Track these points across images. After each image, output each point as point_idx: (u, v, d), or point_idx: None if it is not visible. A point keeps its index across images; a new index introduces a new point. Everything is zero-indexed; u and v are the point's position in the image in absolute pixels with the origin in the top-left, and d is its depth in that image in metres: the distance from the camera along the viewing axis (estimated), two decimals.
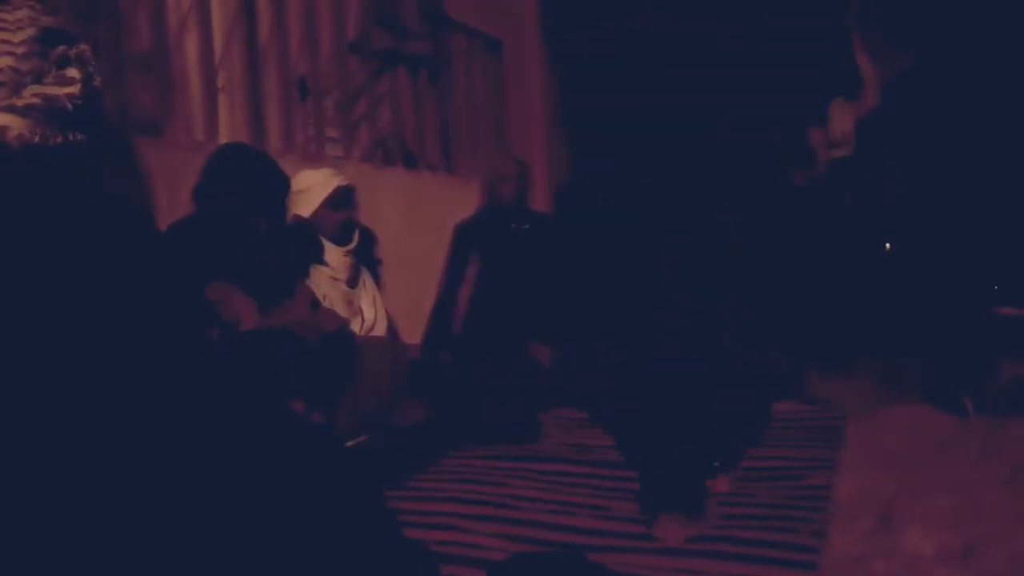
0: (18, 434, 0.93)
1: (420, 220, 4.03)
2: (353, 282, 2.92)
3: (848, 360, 3.21)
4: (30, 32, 1.06)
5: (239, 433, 1.05)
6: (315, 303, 2.65)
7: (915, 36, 3.51)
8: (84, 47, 1.10)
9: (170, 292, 1.09)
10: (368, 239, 3.05)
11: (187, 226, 2.41)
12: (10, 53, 1.05)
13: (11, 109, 1.02)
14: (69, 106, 1.05)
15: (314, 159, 3.62)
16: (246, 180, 2.47)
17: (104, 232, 1.04)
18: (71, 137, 1.05)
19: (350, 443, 2.32)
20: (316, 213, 2.80)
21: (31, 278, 0.97)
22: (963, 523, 1.88)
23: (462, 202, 3.86)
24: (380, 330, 2.97)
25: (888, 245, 3.36)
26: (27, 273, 0.97)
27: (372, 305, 2.96)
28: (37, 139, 1.03)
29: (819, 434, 2.63)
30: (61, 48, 1.08)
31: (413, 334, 3.43)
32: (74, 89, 1.06)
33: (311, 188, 2.81)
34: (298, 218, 2.79)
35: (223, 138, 3.29)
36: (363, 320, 2.92)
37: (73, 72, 1.07)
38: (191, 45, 3.34)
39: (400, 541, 1.24)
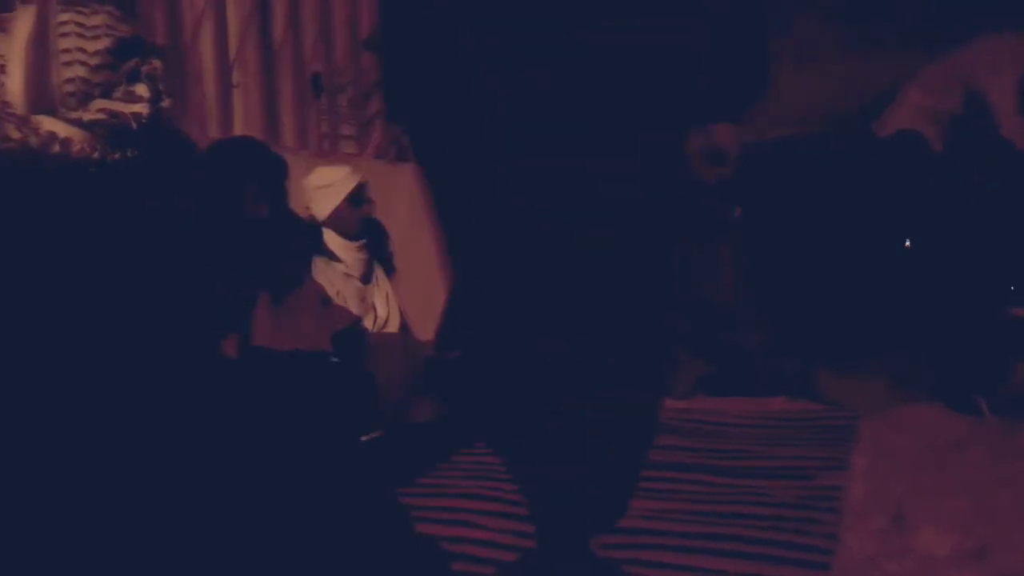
0: (39, 431, 0.94)
1: None
2: (366, 278, 2.93)
3: (861, 360, 3.19)
4: (106, 43, 1.03)
5: (253, 431, 1.06)
6: (326, 299, 2.66)
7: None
8: (156, 63, 1.06)
9: (185, 295, 1.10)
10: (381, 235, 3.05)
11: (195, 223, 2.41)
12: (84, 63, 1.01)
13: (78, 123, 1.00)
14: (134, 125, 1.02)
15: (328, 156, 3.63)
16: (241, 166, 2.46)
17: (137, 246, 1.03)
18: (128, 154, 1.03)
19: (364, 438, 2.32)
20: (338, 210, 2.81)
21: (52, 283, 0.98)
22: (977, 524, 1.86)
23: None
24: (393, 326, 2.97)
25: (908, 243, 3.33)
26: (48, 278, 0.98)
27: (385, 302, 2.97)
28: (97, 155, 1.00)
29: (832, 434, 2.61)
30: (133, 61, 1.05)
31: (426, 331, 3.43)
32: (141, 108, 1.03)
33: (333, 184, 2.83)
34: (310, 214, 2.80)
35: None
36: (376, 316, 2.93)
37: (142, 89, 1.04)
38: (206, 43, 3.36)
39: (412, 537, 1.25)
